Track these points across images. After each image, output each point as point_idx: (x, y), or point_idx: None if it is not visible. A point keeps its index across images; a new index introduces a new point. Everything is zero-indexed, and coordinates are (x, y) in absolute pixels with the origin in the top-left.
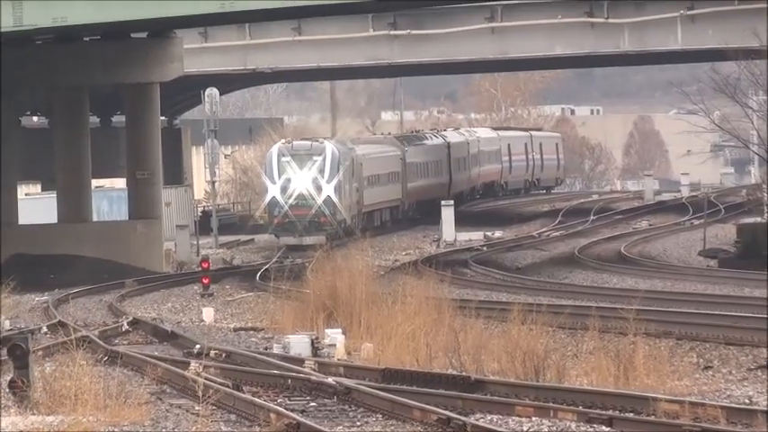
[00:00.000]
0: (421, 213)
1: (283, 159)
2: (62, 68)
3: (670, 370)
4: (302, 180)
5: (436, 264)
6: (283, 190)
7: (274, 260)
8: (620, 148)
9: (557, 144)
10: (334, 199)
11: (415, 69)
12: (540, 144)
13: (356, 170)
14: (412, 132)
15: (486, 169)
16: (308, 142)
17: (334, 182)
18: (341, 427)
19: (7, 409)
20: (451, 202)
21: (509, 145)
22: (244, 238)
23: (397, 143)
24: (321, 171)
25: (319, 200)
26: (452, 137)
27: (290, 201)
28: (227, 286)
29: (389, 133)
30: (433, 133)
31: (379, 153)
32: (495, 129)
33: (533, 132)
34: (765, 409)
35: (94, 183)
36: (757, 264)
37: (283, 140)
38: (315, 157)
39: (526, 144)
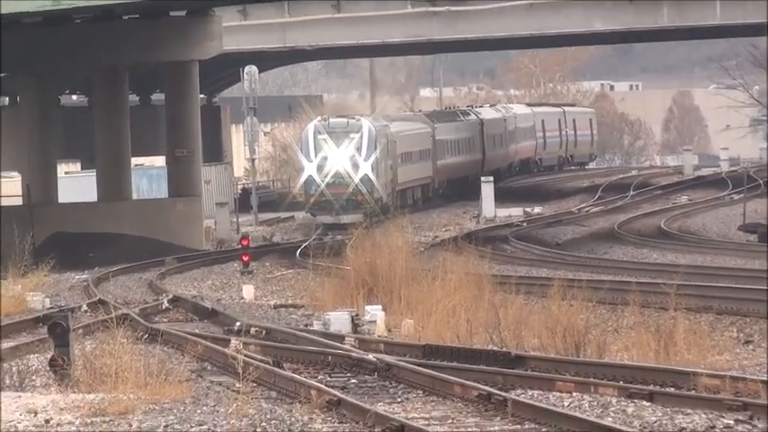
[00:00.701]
0: (452, 191)
1: (320, 137)
2: (101, 47)
3: (710, 344)
4: (339, 158)
5: (476, 240)
6: (320, 168)
7: (314, 237)
8: (659, 123)
9: (590, 120)
10: (372, 177)
11: (453, 46)
12: (574, 120)
13: (391, 148)
14: (445, 109)
15: (522, 146)
16: (345, 120)
17: (372, 159)
18: (381, 404)
19: (48, 387)
20: (491, 178)
21: (543, 121)
22: (283, 215)
23: (428, 120)
24: (358, 149)
25: (356, 178)
26: (487, 113)
27: (327, 179)
28: (267, 263)
29: (420, 110)
30: (466, 110)
31: (410, 130)
32: (529, 105)
33: (567, 108)
34: None
35: (134, 161)
36: None
37: (319, 118)
38: (352, 135)
39: (559, 120)
